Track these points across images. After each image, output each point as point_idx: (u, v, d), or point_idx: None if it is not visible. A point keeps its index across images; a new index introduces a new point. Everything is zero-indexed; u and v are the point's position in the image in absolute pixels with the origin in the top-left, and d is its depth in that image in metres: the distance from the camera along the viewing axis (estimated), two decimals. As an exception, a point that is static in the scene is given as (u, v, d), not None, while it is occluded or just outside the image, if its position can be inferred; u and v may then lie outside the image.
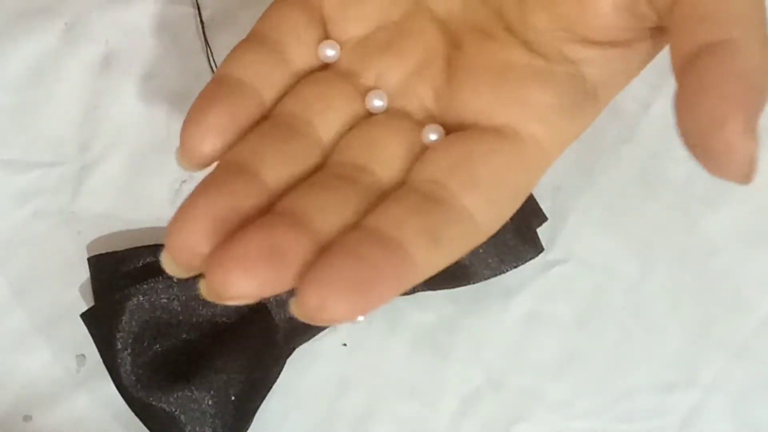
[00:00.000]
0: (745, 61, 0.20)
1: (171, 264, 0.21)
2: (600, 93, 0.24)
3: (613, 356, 0.34)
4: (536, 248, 0.33)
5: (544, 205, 0.33)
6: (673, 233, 0.34)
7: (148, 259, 0.32)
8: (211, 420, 0.31)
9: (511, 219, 0.32)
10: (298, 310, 0.20)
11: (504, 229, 0.32)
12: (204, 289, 0.20)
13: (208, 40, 0.34)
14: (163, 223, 0.34)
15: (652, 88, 0.34)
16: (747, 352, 0.34)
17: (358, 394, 0.34)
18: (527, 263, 0.32)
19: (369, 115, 0.24)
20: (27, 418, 0.33)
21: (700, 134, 0.20)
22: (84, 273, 0.33)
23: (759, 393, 0.34)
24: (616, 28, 0.23)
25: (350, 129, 0.24)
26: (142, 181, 0.34)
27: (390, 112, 0.24)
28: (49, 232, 0.33)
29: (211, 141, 0.22)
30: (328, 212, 0.21)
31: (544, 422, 0.34)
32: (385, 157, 0.23)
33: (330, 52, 0.25)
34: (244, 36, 0.33)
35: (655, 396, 0.34)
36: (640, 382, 0.34)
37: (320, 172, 0.23)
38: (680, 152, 0.34)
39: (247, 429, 0.32)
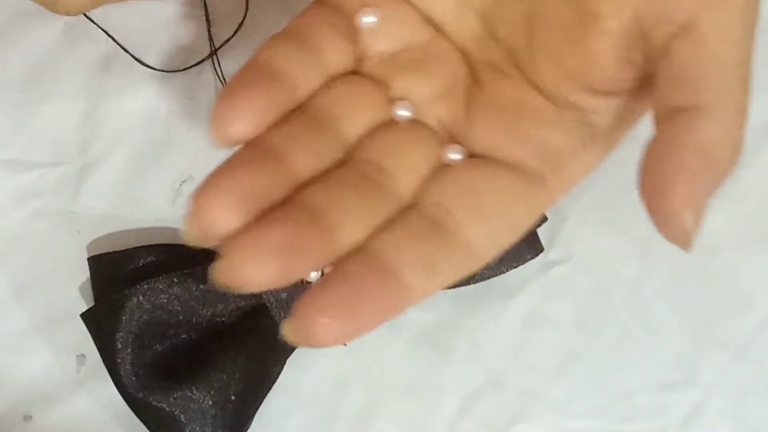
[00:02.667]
0: (707, 133, 0.20)
1: (191, 232, 0.21)
2: (608, 137, 0.24)
3: (613, 356, 0.34)
4: (536, 248, 0.33)
5: (544, 205, 0.33)
6: (673, 233, 0.34)
7: (148, 259, 0.32)
8: (211, 420, 0.31)
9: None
10: (289, 332, 0.20)
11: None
12: (217, 274, 0.20)
13: (207, 40, 0.34)
14: (163, 223, 0.34)
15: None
16: (747, 352, 0.34)
17: (358, 394, 0.33)
18: (527, 263, 0.32)
19: (393, 123, 0.25)
20: (27, 418, 0.33)
21: (649, 196, 0.20)
22: (84, 273, 0.33)
23: (759, 393, 0.34)
24: (619, 79, 0.23)
25: (375, 131, 0.24)
26: (142, 181, 0.34)
27: (414, 123, 0.25)
28: (49, 232, 0.33)
29: (244, 120, 0.22)
30: (348, 214, 0.21)
31: (544, 422, 0.34)
32: (407, 165, 0.23)
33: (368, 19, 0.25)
34: (244, 35, 0.33)
35: (655, 396, 0.34)
36: (640, 382, 0.34)
37: (345, 166, 0.23)
38: (680, 152, 0.34)
39: (247, 429, 0.32)
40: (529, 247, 0.32)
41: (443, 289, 0.22)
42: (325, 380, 0.34)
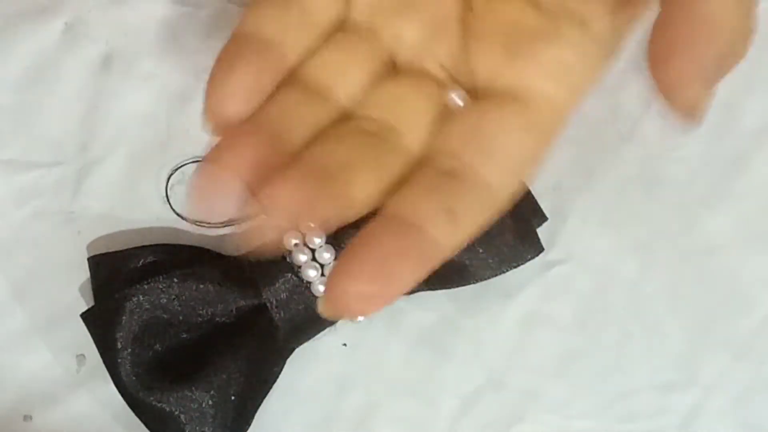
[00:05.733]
0: (711, 2, 0.20)
1: (191, 215, 0.21)
2: (608, 44, 0.24)
3: (613, 356, 0.34)
4: (536, 248, 0.33)
5: (544, 205, 0.33)
6: (673, 233, 0.34)
7: (148, 259, 0.32)
8: (211, 420, 0.31)
9: (511, 219, 0.32)
10: (326, 307, 0.20)
11: (504, 229, 0.32)
12: (242, 240, 0.21)
13: (208, 39, 0.34)
14: (163, 223, 0.34)
15: (652, 88, 0.34)
16: (747, 352, 0.34)
17: (358, 394, 0.33)
18: (527, 263, 0.32)
19: (389, 74, 0.24)
20: (27, 418, 0.33)
21: (654, 68, 0.20)
22: (84, 273, 0.33)
23: (759, 393, 0.34)
24: None
25: (372, 87, 0.24)
26: (142, 181, 0.34)
27: (411, 71, 0.25)
28: (49, 232, 0.33)
29: (236, 102, 0.22)
30: (358, 170, 0.21)
31: (544, 422, 0.34)
32: (410, 117, 0.23)
33: None
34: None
35: (655, 396, 0.34)
36: (640, 382, 0.34)
37: (349, 124, 0.23)
38: (680, 152, 0.34)
39: (247, 429, 0.32)
40: (529, 247, 0.32)
41: (470, 236, 0.22)
42: (325, 380, 0.34)
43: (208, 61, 0.34)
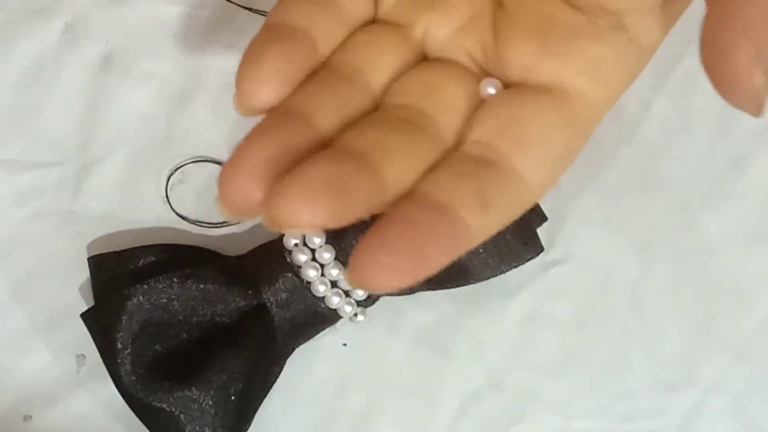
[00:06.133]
0: None
1: (225, 210, 0.21)
2: (644, 41, 0.23)
3: (613, 356, 0.34)
4: (536, 248, 0.33)
5: (544, 205, 0.33)
6: (673, 233, 0.34)
7: (148, 259, 0.32)
8: (211, 420, 0.31)
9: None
10: (352, 279, 0.20)
11: (504, 229, 0.32)
12: (264, 218, 0.20)
13: (208, 39, 0.34)
14: (163, 223, 0.34)
15: (652, 88, 0.34)
16: (747, 352, 0.34)
17: (358, 394, 0.33)
18: (527, 263, 0.32)
19: (421, 66, 0.24)
20: (27, 418, 0.33)
21: (711, 61, 0.20)
22: (84, 273, 0.33)
23: (759, 393, 0.34)
24: None
25: (404, 76, 0.24)
26: (142, 181, 0.34)
27: (443, 62, 0.24)
28: (49, 232, 0.33)
29: (269, 86, 0.22)
30: (392, 156, 0.21)
31: (544, 422, 0.34)
32: (444, 105, 0.23)
33: None
34: (243, 36, 0.33)
35: (655, 396, 0.34)
36: (640, 382, 0.34)
37: (381, 112, 0.23)
38: (680, 152, 0.34)
39: (247, 429, 0.32)
40: (529, 247, 0.32)
41: (500, 226, 0.22)
42: (325, 380, 0.34)
43: (209, 61, 0.34)
